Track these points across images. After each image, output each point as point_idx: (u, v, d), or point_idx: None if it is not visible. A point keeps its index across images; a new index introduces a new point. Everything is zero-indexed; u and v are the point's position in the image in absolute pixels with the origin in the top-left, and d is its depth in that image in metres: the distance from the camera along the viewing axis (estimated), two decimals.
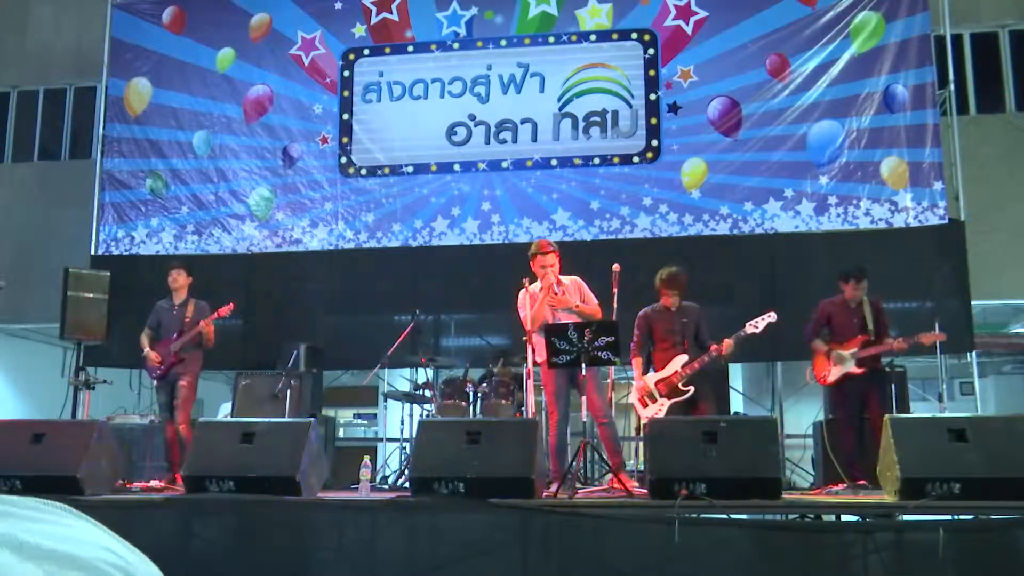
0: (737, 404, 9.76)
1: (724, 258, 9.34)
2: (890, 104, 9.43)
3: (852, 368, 7.16)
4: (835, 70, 9.59)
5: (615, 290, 6.62)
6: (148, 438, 8.60)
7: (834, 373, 7.24)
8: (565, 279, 6.80)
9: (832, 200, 9.41)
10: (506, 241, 9.76)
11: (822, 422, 7.98)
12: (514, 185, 9.96)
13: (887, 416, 5.52)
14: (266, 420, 6.12)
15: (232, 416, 8.46)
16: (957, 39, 10.33)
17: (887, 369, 7.73)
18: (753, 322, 6.88)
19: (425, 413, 8.12)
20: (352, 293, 9.98)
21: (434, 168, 10.09)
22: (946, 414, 7.22)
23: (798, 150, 9.54)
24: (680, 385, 6.96)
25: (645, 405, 7.00)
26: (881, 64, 9.49)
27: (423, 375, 8.59)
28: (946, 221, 9.16)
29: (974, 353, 8.97)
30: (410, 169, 10.14)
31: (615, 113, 9.89)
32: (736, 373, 9.97)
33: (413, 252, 9.94)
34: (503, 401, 8.01)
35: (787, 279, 9.19)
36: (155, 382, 7.73)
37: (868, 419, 7.07)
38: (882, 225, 9.28)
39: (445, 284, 9.78)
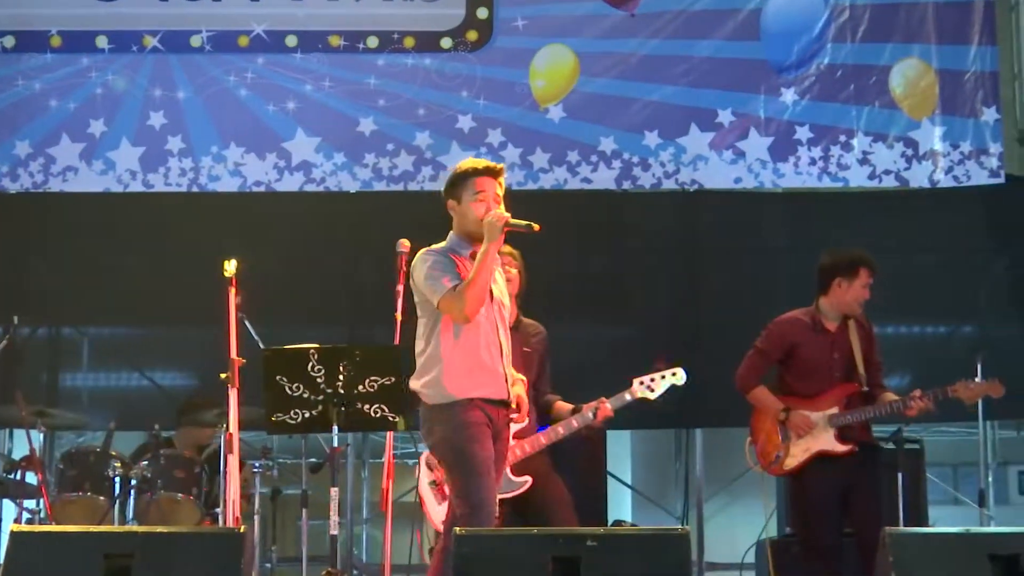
0: (622, 506, 9.93)
1: (602, 234, 9.63)
2: None
3: (829, 444, 7.18)
4: None
5: (401, 287, 6.62)
6: None
7: (796, 452, 7.24)
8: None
9: (803, 133, 9.63)
10: (195, 188, 9.79)
11: (770, 541, 8.21)
12: (214, 82, 9.97)
13: (887, 530, 5.53)
14: None
15: None
16: None
17: (890, 445, 7.78)
18: (646, 379, 7.03)
19: (26, 516, 8.19)
20: None
21: (56, 42, 9.99)
22: (992, 528, 7.62)
23: (744, 39, 9.74)
24: (510, 473, 6.90)
25: (440, 501, 7.04)
26: None
27: (23, 443, 8.46)
28: (1002, 180, 9.41)
29: None
30: (10, 42, 9.98)
31: None
32: (620, 448, 10.14)
33: (8, 203, 9.87)
34: (181, 496, 8.09)
35: (718, 275, 9.48)
36: None
37: (854, 535, 7.17)
38: (891, 183, 9.52)
39: (73, 267, 9.76)
